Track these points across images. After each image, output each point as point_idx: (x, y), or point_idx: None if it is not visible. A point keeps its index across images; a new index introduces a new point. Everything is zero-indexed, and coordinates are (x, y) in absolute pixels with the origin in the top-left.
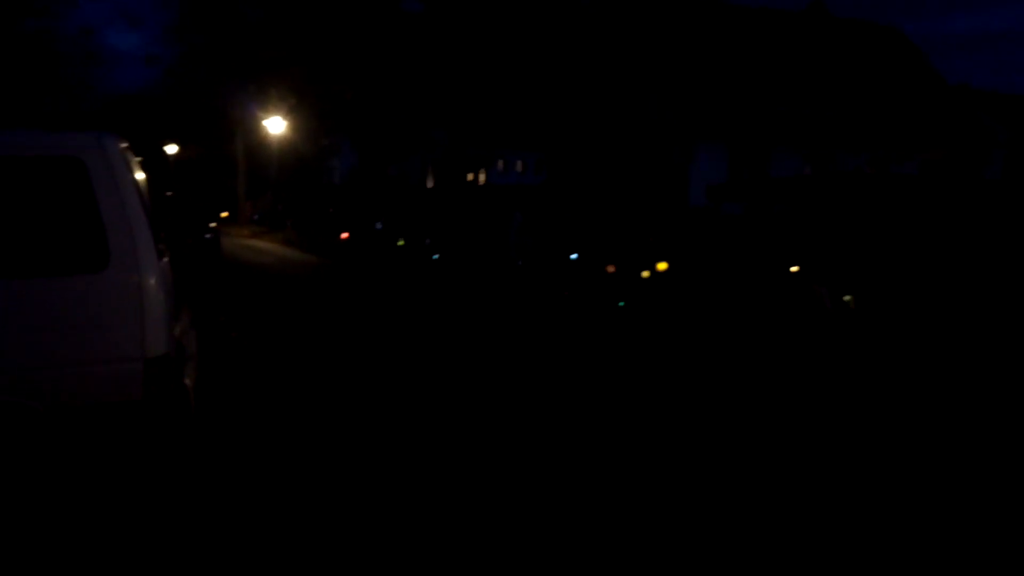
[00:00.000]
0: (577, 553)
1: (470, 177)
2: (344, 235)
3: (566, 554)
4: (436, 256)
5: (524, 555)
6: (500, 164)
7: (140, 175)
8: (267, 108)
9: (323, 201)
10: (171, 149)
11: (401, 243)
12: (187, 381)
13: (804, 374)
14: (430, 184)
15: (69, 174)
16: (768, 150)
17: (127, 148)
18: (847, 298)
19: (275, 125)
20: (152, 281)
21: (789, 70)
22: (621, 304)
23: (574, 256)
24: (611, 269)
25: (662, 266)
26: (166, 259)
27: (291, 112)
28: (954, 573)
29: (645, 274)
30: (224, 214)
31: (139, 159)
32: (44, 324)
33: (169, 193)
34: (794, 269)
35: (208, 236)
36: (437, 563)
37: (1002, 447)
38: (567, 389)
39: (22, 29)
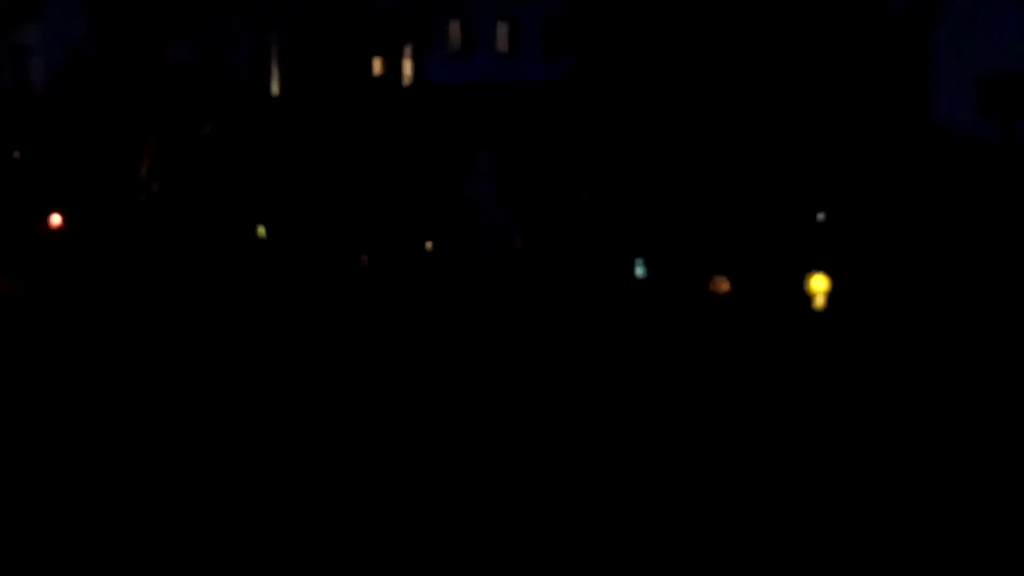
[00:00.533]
0: None
1: (379, 68)
2: (55, 220)
3: None
4: (285, 248)
5: None
6: (455, 34)
7: None
8: None
9: None
10: None
11: (262, 231)
12: None
13: None
14: (275, 88)
15: None
16: None
17: None
18: None
19: None
20: None
21: None
22: None
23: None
24: (723, 287)
25: (819, 285)
26: None
27: None
28: None
29: (817, 300)
30: None
31: None
32: None
33: None
34: None
35: None
36: None
37: None
38: None
39: None
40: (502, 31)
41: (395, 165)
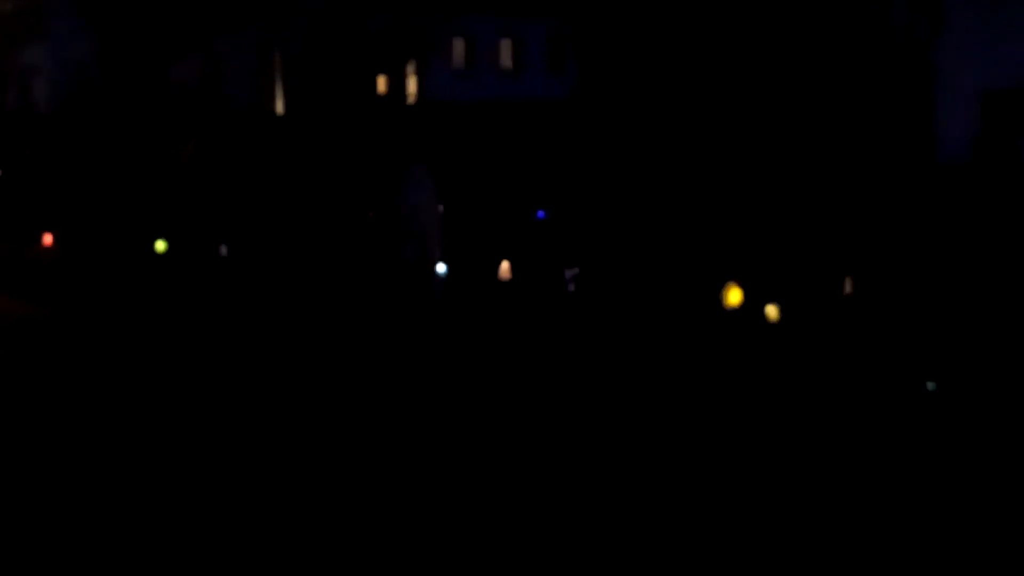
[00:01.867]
0: None
1: (382, 86)
2: (47, 239)
3: None
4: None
5: None
6: (459, 52)
7: None
8: None
9: None
10: None
11: (162, 247)
12: None
13: None
14: (279, 107)
15: None
16: None
17: None
18: None
19: None
20: None
21: None
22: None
23: None
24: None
25: (735, 297)
26: None
27: None
28: None
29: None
30: None
31: None
32: None
33: None
34: None
35: None
36: None
37: None
38: None
39: None
40: (505, 48)
41: (357, 181)
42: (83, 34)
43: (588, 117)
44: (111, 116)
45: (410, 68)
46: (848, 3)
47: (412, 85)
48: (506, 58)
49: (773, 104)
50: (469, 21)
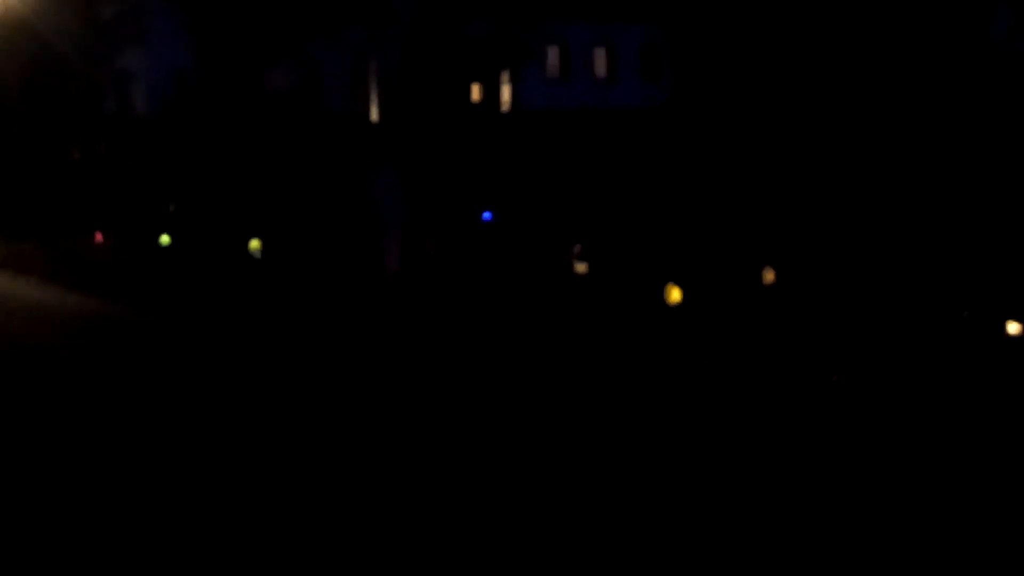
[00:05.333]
0: None
1: (476, 94)
2: (98, 236)
3: None
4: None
5: None
6: (553, 60)
7: None
8: None
9: (90, 159)
10: None
11: (166, 240)
12: None
13: None
14: (374, 114)
15: None
16: None
17: None
18: None
19: None
20: None
21: None
22: None
23: None
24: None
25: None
26: None
27: None
28: None
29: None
30: None
31: None
32: None
33: None
34: None
35: None
36: None
37: None
38: None
39: None
40: (600, 56)
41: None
42: (180, 39)
43: (683, 124)
44: (208, 120)
45: (504, 76)
46: (949, 22)
47: (506, 93)
48: (600, 66)
49: (870, 119)
50: (564, 29)
